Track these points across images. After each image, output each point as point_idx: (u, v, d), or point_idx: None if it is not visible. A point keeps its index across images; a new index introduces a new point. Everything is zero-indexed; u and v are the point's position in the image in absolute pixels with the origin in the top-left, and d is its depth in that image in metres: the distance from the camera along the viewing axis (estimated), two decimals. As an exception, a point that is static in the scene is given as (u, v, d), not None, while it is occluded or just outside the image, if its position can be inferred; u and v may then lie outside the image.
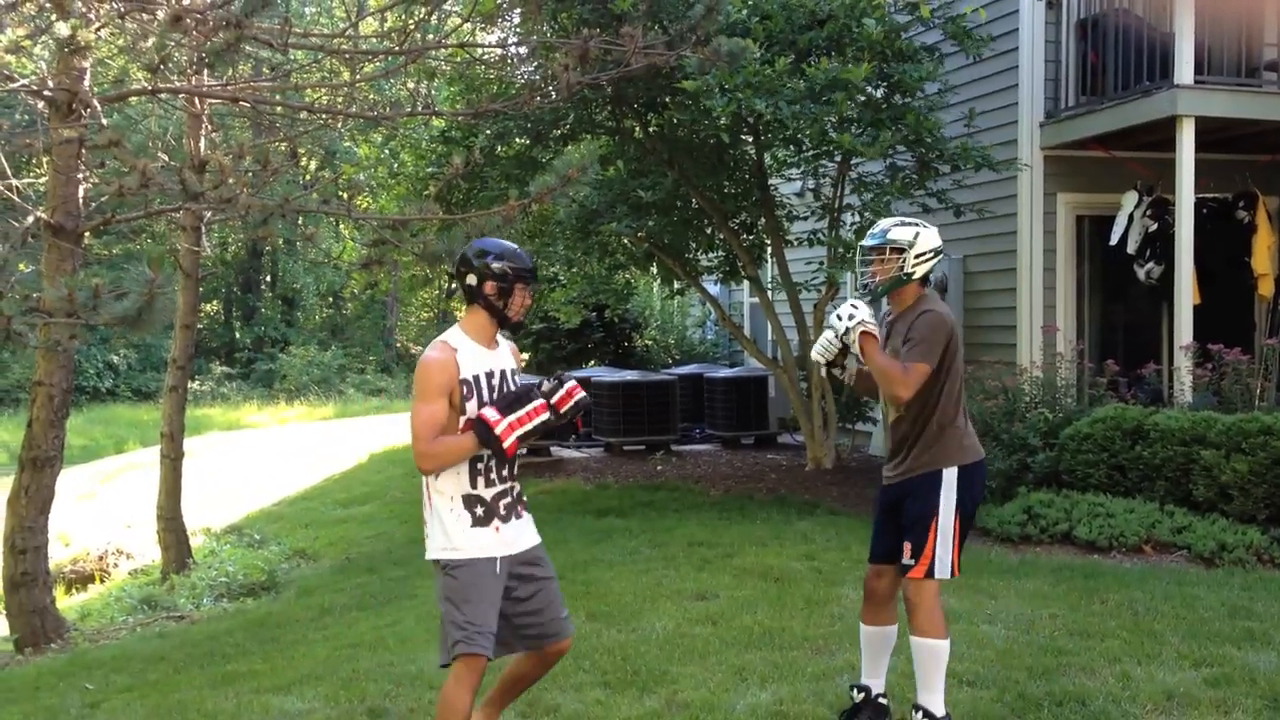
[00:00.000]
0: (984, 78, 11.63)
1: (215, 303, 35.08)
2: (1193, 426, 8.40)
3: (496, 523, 4.26)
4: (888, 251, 4.76)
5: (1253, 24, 10.68)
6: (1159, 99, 9.84)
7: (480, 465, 4.25)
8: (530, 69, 12.33)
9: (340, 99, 12.12)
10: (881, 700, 4.93)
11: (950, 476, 4.65)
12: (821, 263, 11.60)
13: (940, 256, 4.88)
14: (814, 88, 9.47)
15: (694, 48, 8.15)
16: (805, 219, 12.69)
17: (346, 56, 10.47)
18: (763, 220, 12.44)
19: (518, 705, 5.44)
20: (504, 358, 4.36)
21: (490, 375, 4.27)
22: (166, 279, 6.10)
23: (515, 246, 4.37)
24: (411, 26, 9.11)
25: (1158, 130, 10.14)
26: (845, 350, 4.80)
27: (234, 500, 14.84)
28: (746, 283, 14.20)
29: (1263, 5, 10.65)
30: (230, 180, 7.21)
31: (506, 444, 4.16)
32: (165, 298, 5.67)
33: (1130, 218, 10.85)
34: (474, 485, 4.24)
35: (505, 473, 4.32)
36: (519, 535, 4.34)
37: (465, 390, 4.18)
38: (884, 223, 4.89)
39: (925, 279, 4.82)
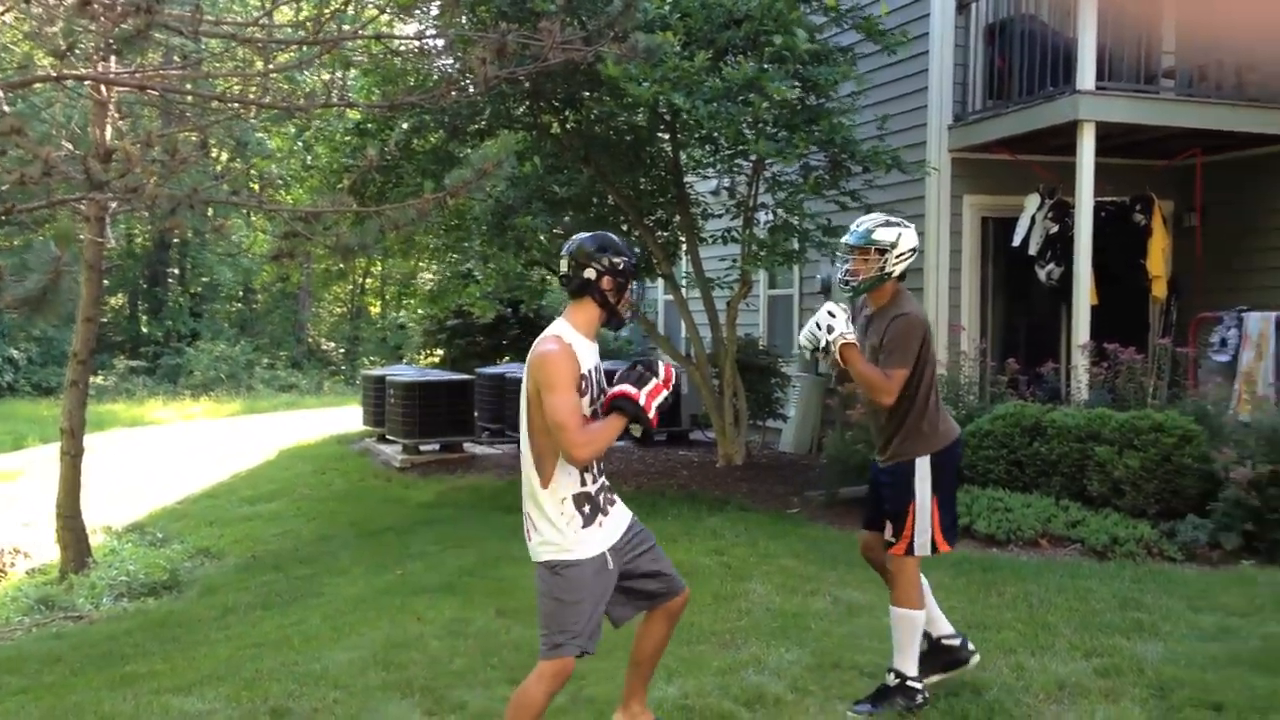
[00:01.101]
0: (896, 80, 11.82)
1: (121, 296, 34.36)
2: (1088, 423, 8.63)
3: (600, 518, 4.34)
4: (871, 251, 4.98)
5: (1152, 32, 10.98)
6: (1061, 104, 10.08)
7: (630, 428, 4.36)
8: (447, 62, 12.28)
9: (253, 89, 11.96)
10: (945, 642, 5.25)
11: (923, 465, 4.98)
12: (735, 260, 11.71)
13: (916, 254, 5.09)
14: (731, 88, 9.56)
15: (612, 43, 8.18)
16: (720, 217, 12.81)
17: (260, 45, 10.33)
18: (678, 217, 12.52)
19: (425, 703, 5.46)
20: (595, 352, 4.44)
21: (594, 369, 4.37)
22: (73, 258, 5.99)
23: (626, 243, 4.48)
24: (326, 16, 9.01)
25: (1060, 134, 10.38)
26: (826, 346, 4.99)
27: (136, 498, 14.58)
28: (661, 279, 14.29)
29: (1161, 14, 10.95)
30: (137, 170, 7.09)
31: (651, 414, 4.27)
32: (70, 278, 5.56)
33: (1032, 220, 11.11)
34: (583, 483, 4.30)
35: (602, 464, 4.41)
36: (618, 520, 4.44)
37: (583, 385, 4.25)
38: (867, 221, 5.09)
39: (902, 275, 5.04)
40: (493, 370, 16.30)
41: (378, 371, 16.75)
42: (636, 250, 4.53)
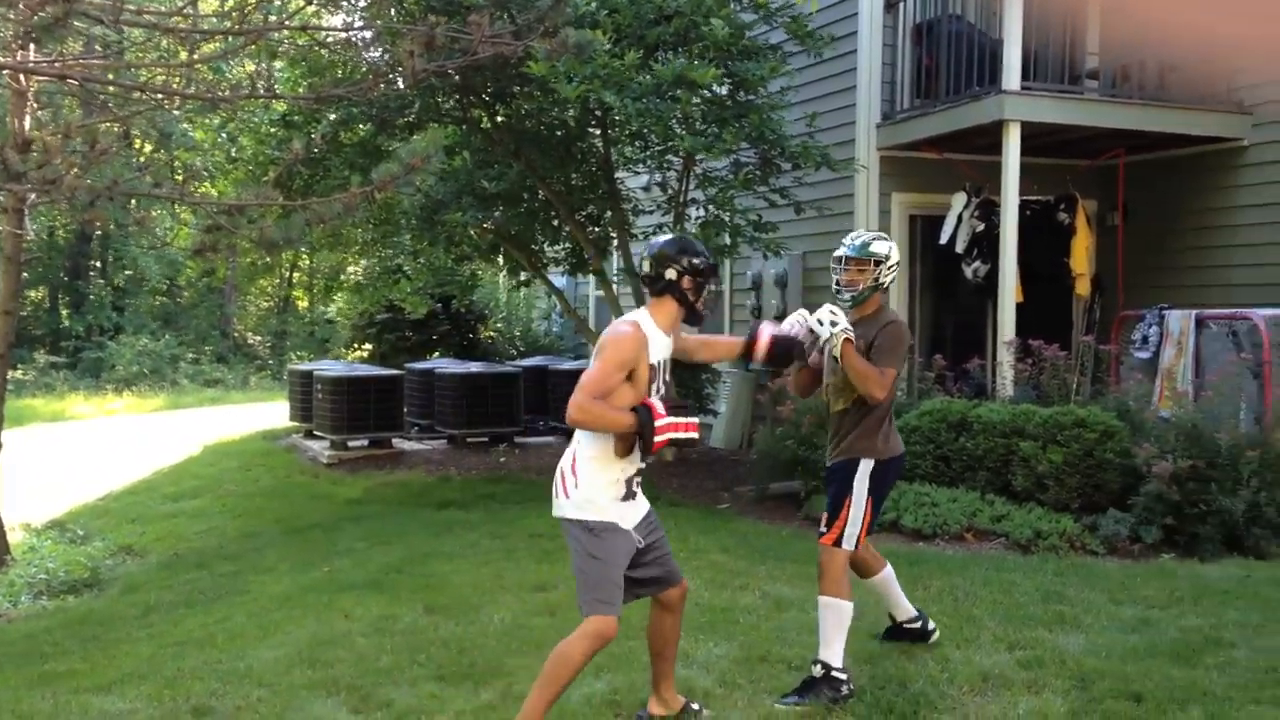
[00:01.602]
0: (825, 78, 11.90)
1: (41, 289, 33.62)
2: (1013, 419, 8.76)
3: (631, 500, 4.62)
4: (869, 263, 5.31)
5: (1076, 33, 11.16)
6: (987, 104, 10.21)
7: (638, 444, 4.55)
8: (376, 55, 12.16)
9: (177, 80, 11.76)
10: (907, 626, 5.80)
11: (866, 468, 5.25)
12: (666, 256, 11.68)
13: (899, 270, 5.49)
14: (660, 84, 9.56)
15: (541, 38, 8.14)
16: (651, 213, 12.82)
17: (183, 35, 10.16)
18: (609, 213, 12.51)
19: (351, 700, 5.41)
20: (669, 348, 4.71)
21: (664, 362, 4.66)
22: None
23: (703, 245, 4.77)
24: (251, 6, 8.89)
25: (986, 134, 10.51)
26: (812, 345, 5.29)
27: (57, 494, 14.28)
28: (592, 275, 14.27)
29: (1085, 15, 11.13)
30: (56, 161, 6.94)
31: (658, 439, 4.47)
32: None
33: (959, 218, 11.24)
34: (635, 462, 4.57)
35: (642, 455, 4.61)
36: (641, 505, 4.70)
37: (651, 374, 4.53)
38: (862, 235, 5.45)
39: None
40: (423, 365, 16.18)
41: (305, 366, 16.55)
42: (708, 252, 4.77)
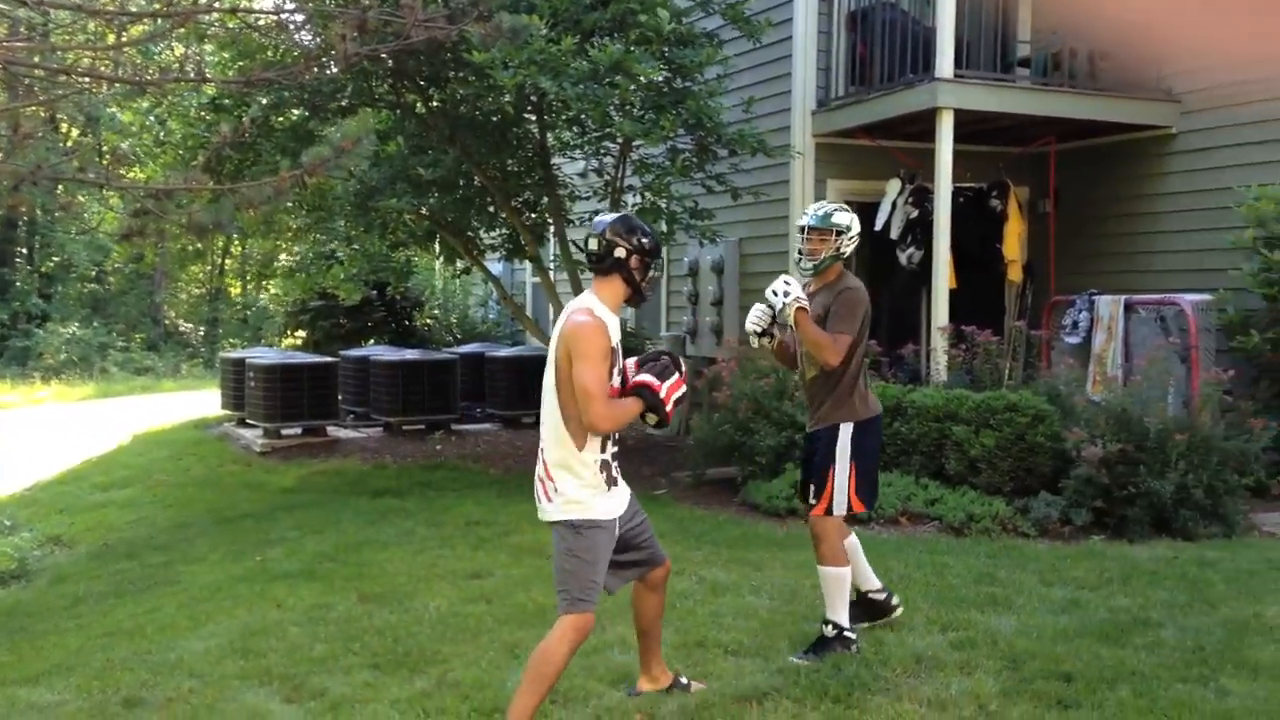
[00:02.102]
0: (761, 65, 11.93)
1: (-36, 276, 32.94)
2: (946, 404, 8.84)
3: (617, 484, 4.60)
4: (831, 233, 5.43)
5: (1008, 21, 11.27)
6: (920, 91, 10.28)
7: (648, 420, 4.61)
8: (307, 38, 11.99)
9: (104, 63, 11.53)
10: (871, 596, 5.87)
11: (847, 431, 5.40)
12: (603, 242, 11.65)
13: (860, 239, 5.57)
14: (598, 70, 9.52)
15: (475, 22, 8.08)
16: (588, 199, 12.78)
17: (110, 18, 9.97)
18: (545, 199, 12.46)
19: (284, 690, 5.36)
20: (619, 327, 4.65)
21: (618, 344, 4.59)
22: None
23: (649, 224, 4.77)
24: (179, -12, 8.72)
25: (920, 121, 10.59)
26: (774, 320, 5.44)
27: (-17, 484, 14.02)
28: (529, 262, 14.21)
29: (1017, 2, 11.24)
30: (-22, 145, 6.79)
31: (669, 408, 4.55)
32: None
33: (894, 205, 11.32)
34: (604, 449, 4.52)
35: (617, 435, 4.62)
36: (624, 491, 4.69)
37: (613, 357, 4.49)
38: (824, 206, 5.59)
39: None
40: (357, 352, 16.04)
41: (237, 354, 16.35)
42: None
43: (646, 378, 4.55)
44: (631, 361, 4.69)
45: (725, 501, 9.66)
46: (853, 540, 5.76)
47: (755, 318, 5.47)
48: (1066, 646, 5.55)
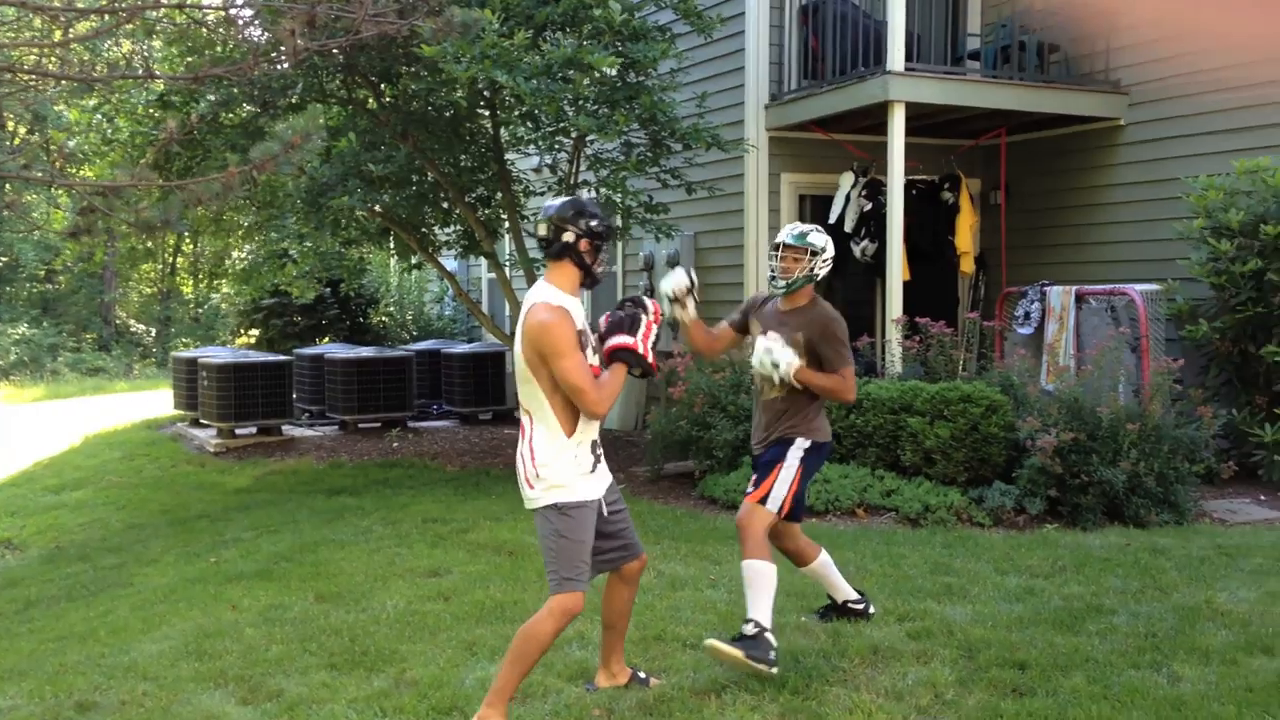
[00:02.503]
0: (714, 59, 11.94)
1: (-90, 277, 32.45)
2: (901, 395, 8.89)
3: (600, 464, 4.63)
4: (806, 253, 5.37)
5: (958, 14, 11.34)
6: (872, 84, 10.32)
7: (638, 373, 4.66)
8: (257, 33, 11.87)
9: (51, 60, 11.37)
10: (851, 606, 5.82)
11: (802, 443, 5.37)
12: (557, 238, 11.62)
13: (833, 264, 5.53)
14: (551, 65, 9.49)
15: (427, 17, 8.02)
16: (542, 194, 12.74)
17: (56, 14, 9.83)
18: (500, 195, 12.40)
19: (240, 692, 5.31)
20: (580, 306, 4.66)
21: (585, 324, 4.60)
22: None
23: (599, 205, 4.72)
24: (125, -16, 8.61)
25: (872, 114, 10.65)
26: (689, 290, 5.32)
27: (-69, 488, 13.81)
28: (484, 258, 14.14)
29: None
30: (-80, 143, 6.67)
31: (651, 359, 4.62)
32: None
33: (847, 198, 11.37)
34: (591, 430, 4.57)
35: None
36: (606, 474, 4.70)
37: (583, 340, 4.51)
38: (800, 226, 5.51)
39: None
40: (312, 351, 15.93)
41: (189, 353, 16.20)
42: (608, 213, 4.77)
43: (620, 339, 4.58)
44: (602, 319, 4.71)
45: (683, 496, 9.67)
46: (824, 559, 5.71)
47: (674, 283, 5.29)
48: (1021, 634, 5.60)
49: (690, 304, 5.34)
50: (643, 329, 4.62)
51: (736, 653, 4.94)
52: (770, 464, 5.35)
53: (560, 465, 4.49)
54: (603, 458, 4.68)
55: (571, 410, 4.48)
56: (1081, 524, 8.10)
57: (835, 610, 5.86)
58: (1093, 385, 8.64)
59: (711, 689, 4.98)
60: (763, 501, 5.29)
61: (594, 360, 4.55)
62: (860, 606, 5.83)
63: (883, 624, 5.85)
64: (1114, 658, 5.25)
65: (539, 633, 4.46)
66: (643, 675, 5.07)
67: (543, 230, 4.59)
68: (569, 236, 4.55)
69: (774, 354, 5.23)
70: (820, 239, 5.41)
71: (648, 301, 4.72)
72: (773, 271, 5.43)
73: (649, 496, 9.75)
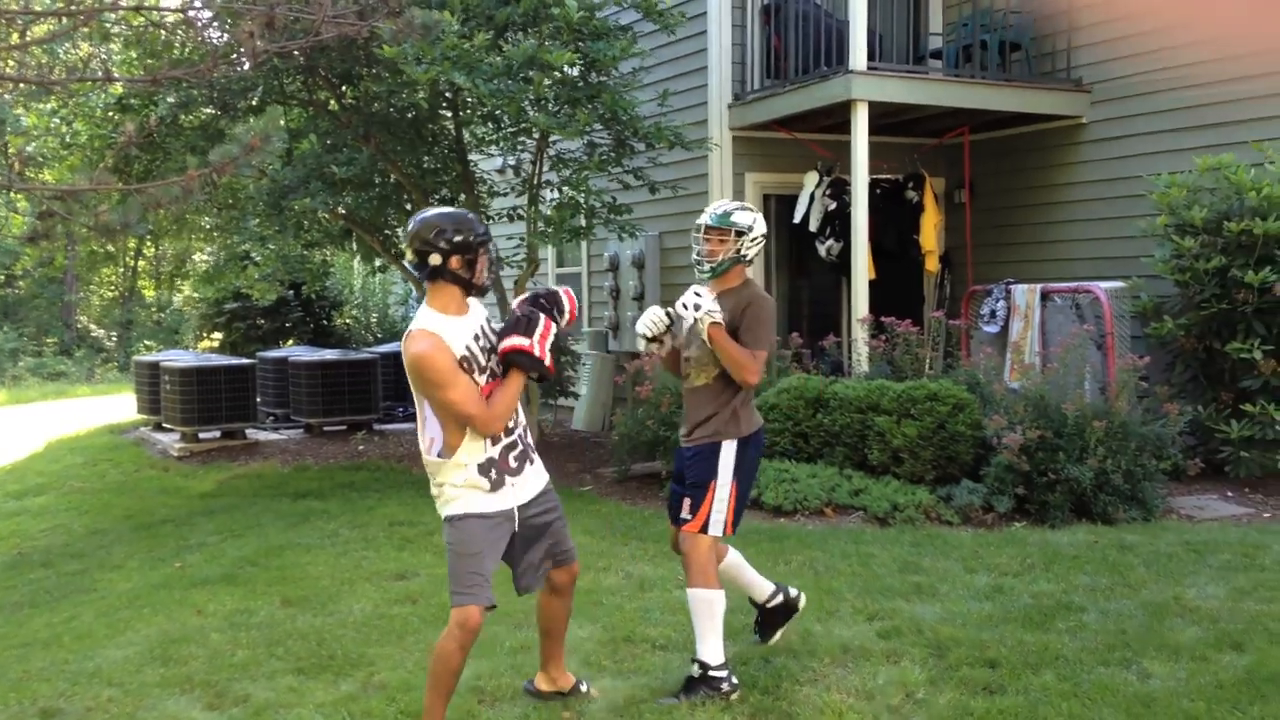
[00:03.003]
0: (677, 58, 11.94)
1: None
2: (868, 395, 8.90)
3: (508, 480, 4.41)
4: (730, 233, 5.03)
5: (919, 13, 11.38)
6: (835, 83, 10.34)
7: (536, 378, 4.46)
8: (215, 35, 11.77)
9: (9, 63, 11.22)
10: (771, 605, 5.48)
11: (730, 448, 4.98)
12: (522, 238, 11.63)
13: (765, 241, 5.20)
14: (511, 65, 9.46)
15: (386, 18, 7.97)
16: (506, 195, 12.70)
17: (12, 17, 9.70)
18: (463, 196, 12.36)
19: (206, 697, 5.25)
20: (477, 313, 4.44)
21: (477, 338, 4.36)
22: None
23: (465, 213, 4.41)
24: (83, -15, 8.51)
25: (835, 113, 10.66)
26: (669, 328, 5.10)
27: (-111, 496, 13.61)
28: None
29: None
30: (-127, 147, 6.57)
31: (547, 361, 4.37)
32: None
33: (812, 197, 11.39)
34: (487, 449, 4.35)
35: (511, 424, 4.44)
36: (529, 481, 4.51)
37: (465, 365, 4.27)
38: (724, 205, 5.17)
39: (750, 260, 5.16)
40: (276, 354, 15.81)
41: (151, 357, 16.04)
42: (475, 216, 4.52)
43: (514, 340, 4.33)
44: (499, 330, 4.48)
45: (650, 496, 9.65)
46: (735, 556, 5.38)
47: (649, 322, 5.08)
48: (991, 633, 5.61)
49: (668, 341, 5.13)
50: (540, 329, 4.36)
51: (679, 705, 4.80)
52: (701, 484, 4.96)
53: (454, 480, 4.34)
54: (525, 469, 4.48)
55: (454, 432, 4.31)
56: (1049, 521, 8.12)
57: (761, 619, 5.52)
58: (1058, 383, 8.68)
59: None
60: (704, 529, 4.95)
61: (482, 380, 4.33)
62: (780, 599, 5.45)
63: (853, 623, 5.85)
64: (1084, 655, 5.27)
65: (444, 652, 4.32)
66: (584, 686, 4.93)
67: (409, 254, 4.33)
68: (435, 259, 4.27)
69: (700, 299, 4.86)
70: (746, 217, 5.05)
71: (563, 297, 4.50)
72: (697, 255, 5.11)
73: (616, 497, 9.72)
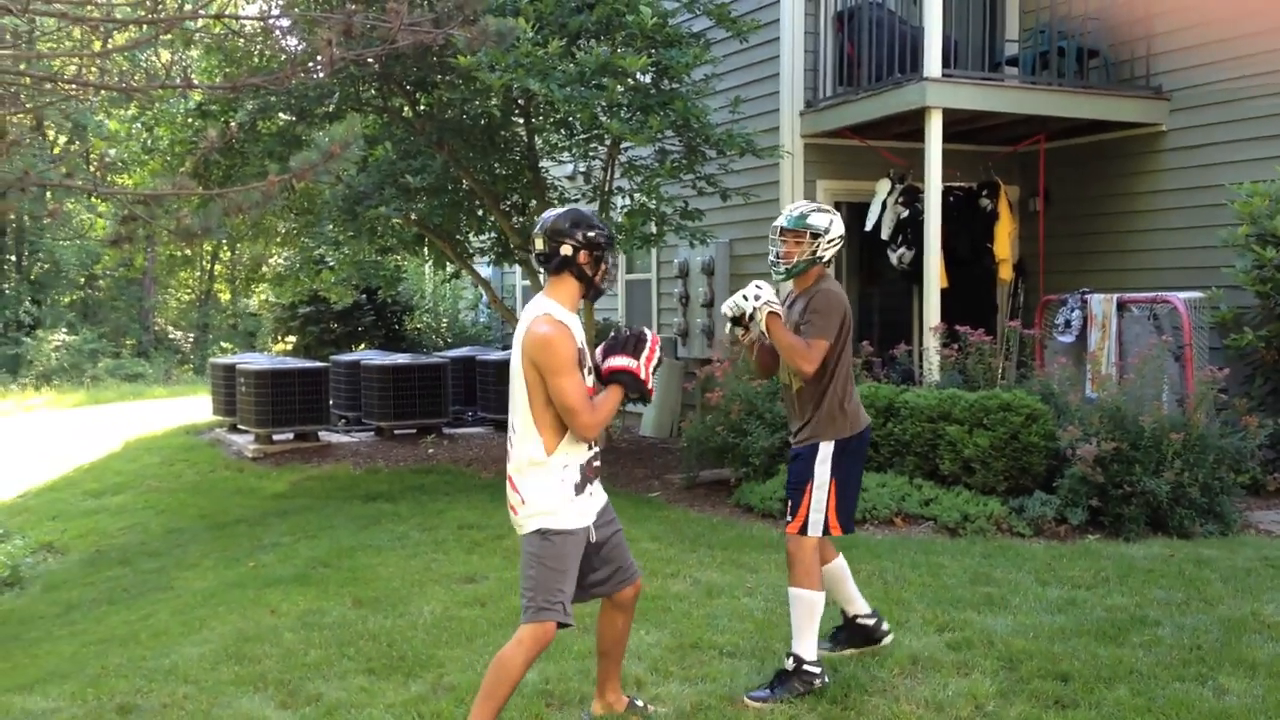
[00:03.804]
0: (749, 65, 11.92)
1: (-46, 284, 32.84)
2: (939, 404, 8.82)
3: (590, 487, 4.44)
4: (805, 235, 5.06)
5: (995, 19, 11.27)
6: (909, 91, 10.26)
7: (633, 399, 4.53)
8: (293, 43, 11.96)
9: (91, 70, 11.50)
10: (860, 621, 5.40)
11: (827, 450, 5.01)
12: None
13: (843, 242, 5.21)
14: (584, 72, 9.51)
15: (461, 26, 8.05)
16: (576, 201, 12.75)
17: (95, 25, 9.92)
18: (534, 202, 12.43)
19: (279, 696, 5.33)
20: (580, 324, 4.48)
21: (584, 343, 4.42)
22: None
23: (597, 216, 4.53)
24: (165, -6, 8.69)
25: (909, 121, 10.58)
26: (751, 315, 5.05)
27: (-26, 493, 13.97)
28: (519, 265, 14.18)
29: (1005, 1, 11.24)
30: (-36, 153, 6.74)
31: (650, 385, 4.44)
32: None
33: (884, 205, 11.32)
34: (577, 454, 4.39)
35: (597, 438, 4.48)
36: (598, 494, 4.52)
37: (581, 358, 4.33)
38: (801, 206, 5.19)
39: (829, 262, 5.18)
40: (349, 357, 16.01)
41: (227, 360, 16.31)
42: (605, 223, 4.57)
43: (621, 360, 4.41)
44: (600, 349, 4.54)
45: (719, 503, 9.64)
46: (840, 564, 5.34)
47: (732, 304, 5.10)
48: (1063, 646, 5.54)
49: (753, 329, 5.10)
50: (646, 351, 4.43)
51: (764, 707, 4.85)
52: (799, 485, 5.03)
53: (546, 490, 4.33)
54: (596, 480, 4.48)
55: (560, 429, 4.31)
56: (1124, 535, 8.00)
57: (845, 627, 5.48)
58: (1135, 394, 8.55)
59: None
60: (802, 532, 4.99)
61: (590, 381, 4.39)
62: (871, 623, 5.41)
63: (922, 634, 5.80)
64: (1158, 670, 5.19)
65: (511, 664, 4.29)
66: (640, 703, 4.88)
67: (539, 244, 4.41)
68: (567, 250, 4.36)
69: (760, 289, 4.96)
70: (822, 219, 5.07)
71: (647, 333, 4.51)
72: (774, 257, 5.14)
73: (684, 504, 9.72)
